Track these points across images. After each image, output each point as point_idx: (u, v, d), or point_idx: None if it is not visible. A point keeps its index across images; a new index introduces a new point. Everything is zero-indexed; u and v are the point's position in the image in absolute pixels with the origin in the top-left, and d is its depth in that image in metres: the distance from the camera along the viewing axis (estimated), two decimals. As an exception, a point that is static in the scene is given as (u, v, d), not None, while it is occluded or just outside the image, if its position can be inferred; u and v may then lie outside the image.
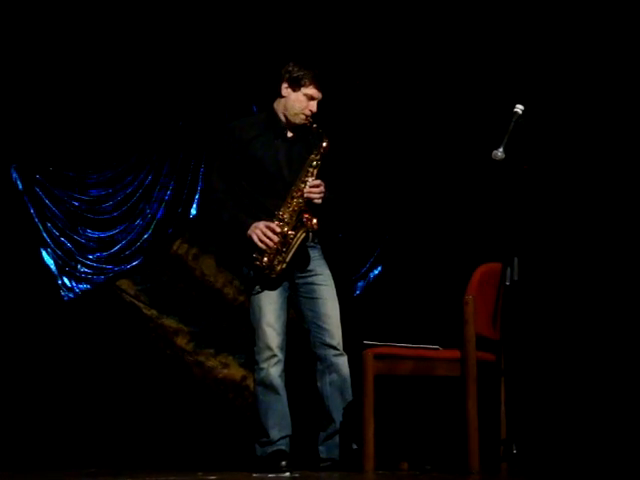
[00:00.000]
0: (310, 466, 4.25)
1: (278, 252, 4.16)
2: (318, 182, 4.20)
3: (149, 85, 6.23)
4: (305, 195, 4.18)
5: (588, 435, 4.85)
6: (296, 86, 4.29)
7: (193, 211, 6.31)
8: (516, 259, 3.72)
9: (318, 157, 4.23)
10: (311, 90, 4.29)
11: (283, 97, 4.33)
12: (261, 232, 4.14)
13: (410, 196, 6.05)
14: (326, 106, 4.38)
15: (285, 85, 4.31)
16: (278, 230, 4.15)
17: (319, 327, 4.25)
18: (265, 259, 4.15)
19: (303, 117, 4.29)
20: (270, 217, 4.19)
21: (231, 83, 6.20)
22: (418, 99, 5.95)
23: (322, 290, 4.28)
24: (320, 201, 4.20)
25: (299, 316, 4.32)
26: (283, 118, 4.34)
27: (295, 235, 4.17)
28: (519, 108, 3.79)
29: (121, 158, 6.33)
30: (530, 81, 5.30)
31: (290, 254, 4.16)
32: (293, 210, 4.19)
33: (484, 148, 3.78)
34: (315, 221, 4.15)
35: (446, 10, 5.75)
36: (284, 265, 4.16)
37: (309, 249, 4.29)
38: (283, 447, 4.16)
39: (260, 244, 4.13)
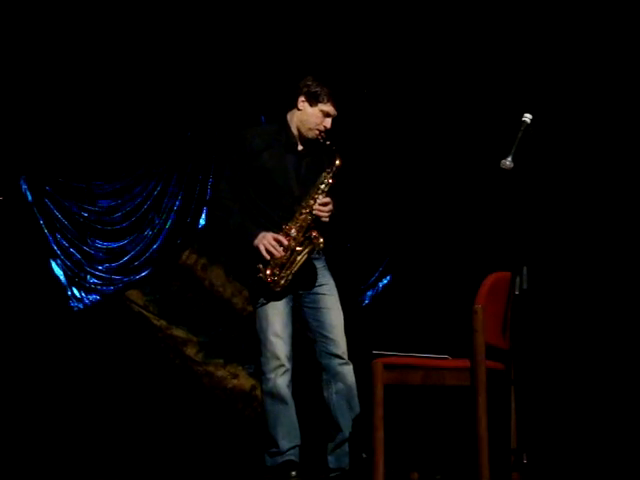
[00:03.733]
0: (319, 476, 4.24)
1: (282, 266, 4.15)
2: (327, 200, 4.20)
3: (158, 96, 6.25)
4: (314, 212, 4.18)
5: (599, 444, 4.84)
6: (314, 101, 4.28)
7: (202, 221, 6.32)
8: (525, 268, 3.71)
9: (330, 175, 4.22)
10: (328, 107, 4.28)
11: (299, 110, 4.32)
12: (268, 243, 4.13)
13: (419, 205, 6.06)
14: (337, 117, 4.38)
15: (302, 99, 4.30)
16: (286, 244, 4.15)
17: (324, 337, 4.25)
18: (268, 272, 4.14)
19: (317, 132, 4.28)
20: (276, 228, 4.18)
21: (239, 94, 6.22)
22: (426, 109, 5.96)
23: (326, 300, 4.28)
24: (327, 219, 4.20)
25: (304, 326, 4.32)
26: (296, 131, 4.34)
27: (302, 252, 4.16)
28: (527, 117, 3.79)
29: (130, 169, 6.35)
30: (538, 90, 5.30)
31: (294, 270, 4.16)
32: (301, 226, 4.18)
33: (492, 157, 3.77)
34: (322, 240, 4.15)
35: (455, 21, 5.75)
36: (287, 281, 4.16)
37: (314, 261, 4.29)
38: (293, 457, 4.15)
39: (266, 255, 4.13)
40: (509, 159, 3.69)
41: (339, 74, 5.64)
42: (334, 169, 4.22)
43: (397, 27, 5.91)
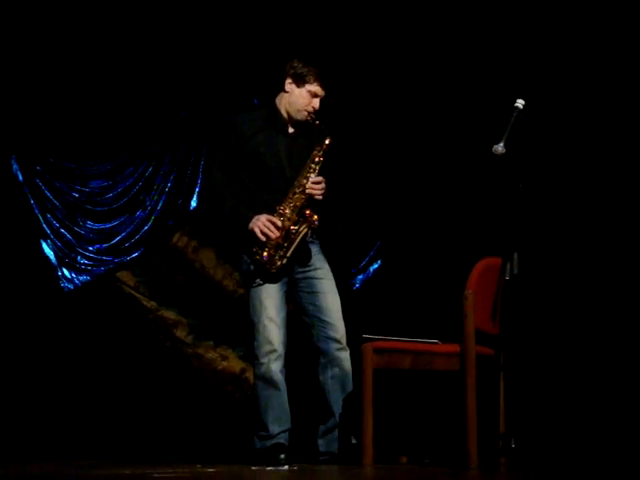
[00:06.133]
0: (309, 459, 4.25)
1: (279, 247, 4.16)
2: (320, 179, 4.21)
3: (150, 76, 6.22)
4: (307, 191, 4.19)
5: (587, 429, 4.86)
6: (300, 82, 4.28)
7: (193, 203, 6.31)
8: (516, 253, 3.72)
9: (321, 153, 4.23)
10: (315, 87, 4.28)
11: (286, 92, 4.32)
12: (263, 225, 4.14)
13: (410, 190, 6.05)
14: (327, 100, 4.38)
15: (289, 81, 4.31)
16: (280, 224, 4.15)
17: (322, 321, 4.25)
18: (265, 253, 4.14)
19: (306, 114, 4.28)
20: (271, 211, 4.19)
21: (233, 75, 6.19)
22: (418, 94, 5.95)
23: (322, 284, 4.28)
24: (321, 197, 4.21)
25: (300, 311, 4.32)
26: (285, 114, 4.34)
27: (297, 230, 4.17)
28: (520, 103, 3.79)
29: (122, 150, 6.33)
30: (531, 76, 5.29)
31: (291, 249, 4.17)
32: (295, 206, 4.19)
33: (484, 143, 3.77)
34: (316, 217, 4.16)
35: (447, 6, 5.74)
36: (284, 260, 4.16)
37: (309, 245, 4.29)
38: (282, 441, 4.16)
39: (262, 237, 4.13)
40: (501, 145, 3.69)
41: (331, 55, 5.63)
42: (324, 147, 4.24)
43: (391, 14, 5.89)
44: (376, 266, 6.23)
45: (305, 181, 4.20)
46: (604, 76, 5.25)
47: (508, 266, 3.73)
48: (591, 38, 5.27)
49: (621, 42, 5.20)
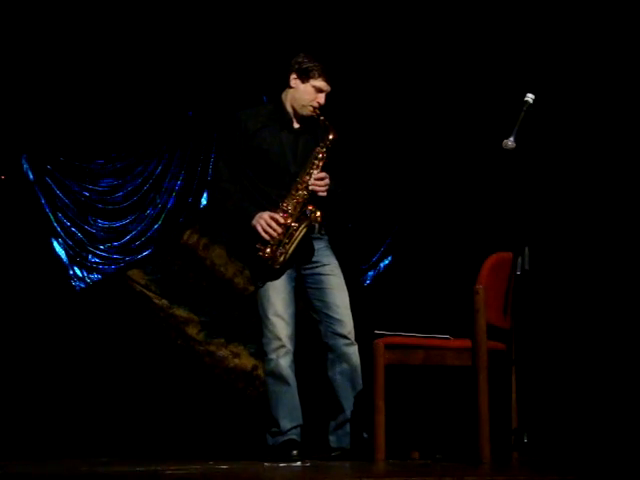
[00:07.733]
0: (321, 455, 4.25)
1: (281, 243, 4.15)
2: (323, 175, 4.19)
3: (159, 75, 6.23)
4: (310, 187, 4.18)
5: (599, 424, 4.85)
6: (305, 78, 4.27)
7: (203, 201, 6.32)
8: (527, 248, 3.71)
9: (324, 149, 4.21)
10: (320, 82, 4.27)
11: (291, 88, 4.31)
12: (265, 222, 4.13)
13: (421, 186, 6.05)
14: (335, 95, 4.37)
15: (294, 76, 4.30)
16: (282, 221, 4.14)
17: (329, 317, 4.24)
18: (268, 250, 4.14)
19: (311, 109, 4.27)
20: (275, 207, 4.18)
21: (241, 73, 6.20)
22: (428, 89, 5.94)
23: (330, 280, 4.27)
24: (325, 194, 4.20)
25: (309, 307, 4.31)
26: (290, 109, 4.33)
27: (298, 227, 4.16)
28: (530, 97, 3.78)
29: (131, 148, 6.35)
30: (541, 70, 5.28)
31: (293, 246, 4.16)
32: (297, 202, 4.18)
33: (495, 137, 3.76)
34: (319, 214, 4.14)
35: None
36: (286, 256, 4.15)
37: (315, 241, 4.28)
38: (294, 437, 4.15)
39: (264, 234, 4.13)
40: (511, 139, 3.68)
41: (338, 52, 5.63)
42: (328, 143, 4.22)
43: (399, 6, 5.88)
44: (387, 262, 6.23)
45: (308, 177, 4.19)
46: (614, 70, 5.24)
47: (519, 261, 3.72)
48: (601, 32, 5.26)
49: (631, 37, 5.18)
